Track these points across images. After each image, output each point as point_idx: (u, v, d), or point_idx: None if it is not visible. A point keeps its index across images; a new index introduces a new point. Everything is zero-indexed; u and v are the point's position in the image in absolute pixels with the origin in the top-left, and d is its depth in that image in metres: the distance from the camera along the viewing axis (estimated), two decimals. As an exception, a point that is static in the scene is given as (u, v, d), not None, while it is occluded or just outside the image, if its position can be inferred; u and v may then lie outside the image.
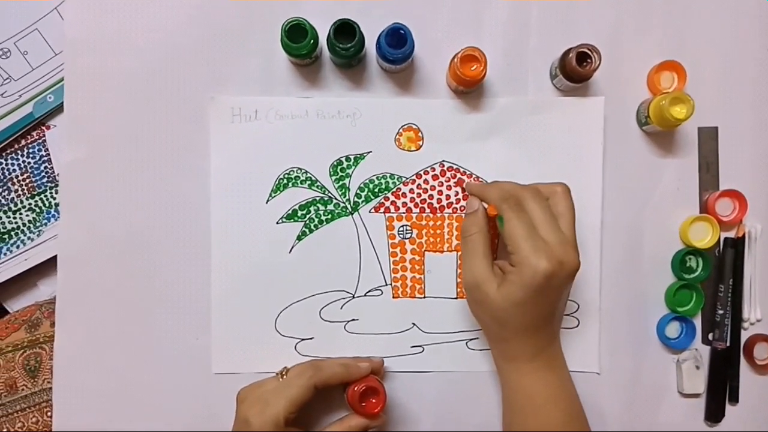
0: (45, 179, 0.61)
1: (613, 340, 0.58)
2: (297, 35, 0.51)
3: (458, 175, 0.57)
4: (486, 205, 0.51)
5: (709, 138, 0.58)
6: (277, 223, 0.56)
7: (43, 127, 0.61)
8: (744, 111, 0.58)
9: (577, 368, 0.56)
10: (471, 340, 0.57)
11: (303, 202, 0.56)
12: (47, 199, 0.61)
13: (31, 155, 0.61)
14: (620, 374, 0.58)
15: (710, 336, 0.58)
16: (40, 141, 0.61)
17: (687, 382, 0.57)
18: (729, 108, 0.58)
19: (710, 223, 0.57)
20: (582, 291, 0.57)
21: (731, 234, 0.58)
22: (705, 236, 0.57)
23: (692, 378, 0.57)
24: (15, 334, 0.57)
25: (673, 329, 0.58)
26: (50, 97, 0.60)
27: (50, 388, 0.55)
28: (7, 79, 0.60)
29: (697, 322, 0.58)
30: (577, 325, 0.57)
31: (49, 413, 0.55)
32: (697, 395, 0.58)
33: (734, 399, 0.58)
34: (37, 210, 0.61)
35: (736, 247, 0.58)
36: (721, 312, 0.57)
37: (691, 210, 0.58)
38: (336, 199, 0.57)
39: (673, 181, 0.58)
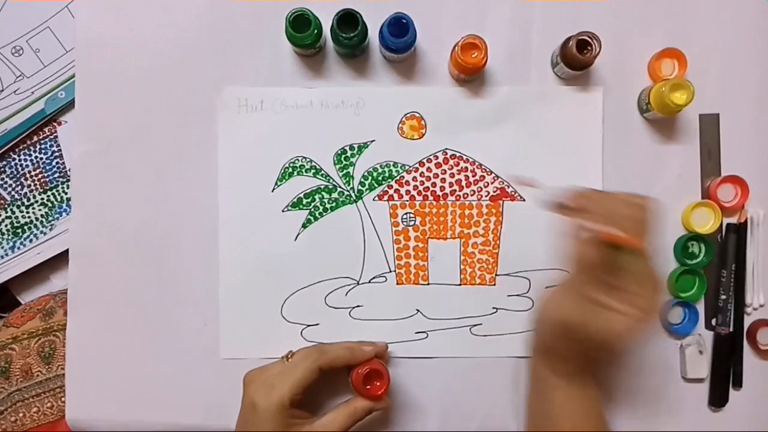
0: (57, 174, 0.62)
1: (616, 325, 0.58)
2: (301, 25, 0.52)
3: (461, 163, 0.57)
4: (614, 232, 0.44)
5: (710, 125, 0.58)
6: (282, 211, 0.57)
7: (55, 123, 0.62)
8: (745, 98, 0.58)
9: (580, 353, 0.56)
10: (474, 326, 0.58)
11: (308, 191, 0.57)
12: (59, 194, 0.62)
13: (43, 151, 0.62)
14: (624, 359, 0.58)
15: (713, 321, 0.58)
16: (52, 137, 0.62)
17: (690, 367, 0.57)
18: (730, 95, 0.58)
19: (712, 209, 0.57)
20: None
21: (733, 220, 0.58)
22: (707, 222, 0.57)
23: (696, 363, 0.57)
24: (30, 323, 0.58)
25: (676, 315, 0.58)
26: (62, 94, 0.61)
27: (64, 374, 0.57)
28: (19, 76, 0.61)
29: (700, 307, 0.58)
30: (580, 311, 0.58)
31: (63, 398, 0.57)
32: (700, 380, 0.58)
33: (738, 383, 0.58)
34: (50, 204, 0.62)
35: (738, 232, 0.58)
36: (724, 297, 0.57)
37: (693, 196, 0.58)
38: (340, 187, 0.57)
39: (674, 168, 0.58)
